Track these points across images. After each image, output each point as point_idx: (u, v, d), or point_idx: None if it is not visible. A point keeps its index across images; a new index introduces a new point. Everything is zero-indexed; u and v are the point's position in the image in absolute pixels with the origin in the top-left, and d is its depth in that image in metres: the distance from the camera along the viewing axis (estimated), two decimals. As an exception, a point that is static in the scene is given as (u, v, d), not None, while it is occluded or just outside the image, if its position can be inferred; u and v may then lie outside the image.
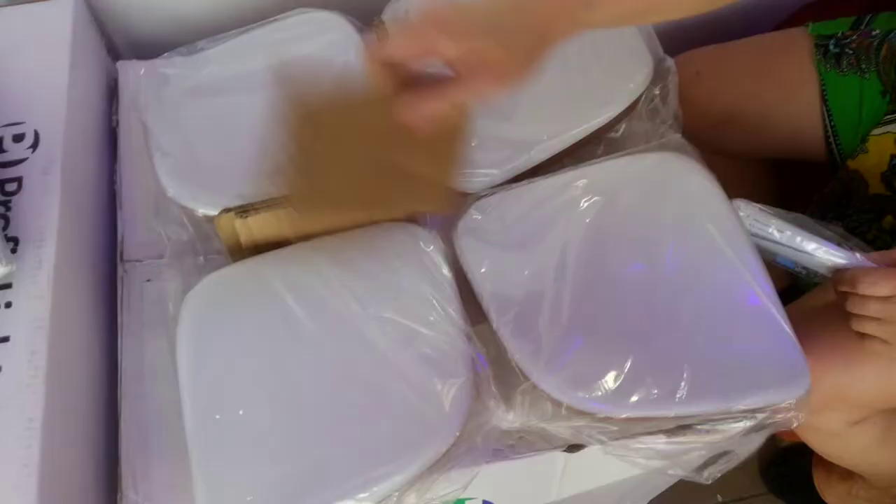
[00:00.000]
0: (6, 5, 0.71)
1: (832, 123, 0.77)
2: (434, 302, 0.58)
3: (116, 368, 0.62)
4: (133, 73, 0.75)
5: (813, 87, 0.77)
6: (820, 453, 0.82)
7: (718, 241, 0.59)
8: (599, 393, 0.54)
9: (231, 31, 0.74)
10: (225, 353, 0.58)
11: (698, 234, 0.60)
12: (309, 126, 0.53)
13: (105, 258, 0.69)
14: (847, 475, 0.93)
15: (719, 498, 0.97)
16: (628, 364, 0.55)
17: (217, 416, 0.55)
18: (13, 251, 0.58)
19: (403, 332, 0.57)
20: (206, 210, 0.65)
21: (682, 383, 0.54)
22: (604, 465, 0.63)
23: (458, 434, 0.54)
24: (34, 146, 0.64)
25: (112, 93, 0.76)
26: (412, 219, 0.64)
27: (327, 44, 0.72)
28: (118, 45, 0.81)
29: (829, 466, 0.94)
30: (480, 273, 0.60)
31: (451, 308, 0.58)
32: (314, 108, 0.53)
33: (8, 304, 0.57)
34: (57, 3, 0.71)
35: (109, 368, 0.64)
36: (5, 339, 0.55)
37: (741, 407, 0.55)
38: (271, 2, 0.80)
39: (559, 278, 0.59)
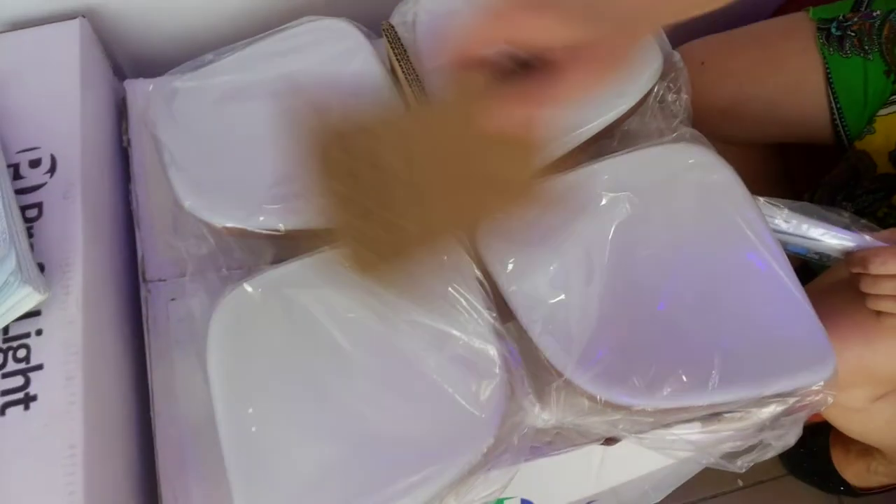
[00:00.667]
0: (10, 30, 0.71)
1: (838, 106, 0.77)
2: (463, 302, 0.59)
3: (148, 388, 0.62)
4: (141, 90, 0.75)
5: (817, 70, 0.78)
6: (843, 430, 0.83)
7: (742, 229, 0.60)
8: (633, 386, 0.54)
9: (238, 43, 0.74)
10: (256, 368, 0.58)
11: (721, 224, 0.61)
12: (342, 154, 0.50)
13: (128, 279, 0.69)
14: (865, 452, 0.94)
15: (740, 483, 0.98)
16: (660, 355, 0.56)
17: (253, 429, 0.56)
18: (40, 278, 0.58)
19: (435, 335, 0.58)
20: (226, 222, 0.65)
21: (714, 371, 0.55)
22: (640, 456, 0.64)
23: (495, 436, 0.54)
24: (52, 171, 0.63)
25: (120, 112, 0.75)
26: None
27: (338, 52, 0.72)
28: (122, 65, 0.80)
29: (847, 444, 0.95)
30: (506, 272, 0.61)
31: (482, 307, 0.59)
32: (342, 133, 0.50)
33: (39, 332, 0.57)
34: (62, 25, 0.71)
35: (141, 389, 0.64)
36: (39, 367, 0.55)
37: (772, 392, 0.56)
38: (276, 13, 0.80)
39: (586, 273, 0.60)
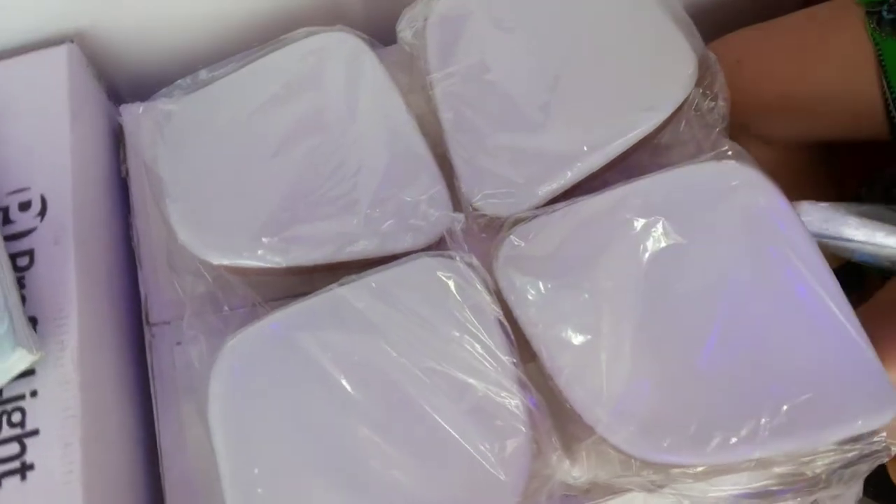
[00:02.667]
0: (-6, 60, 0.67)
1: (894, 95, 0.70)
2: (480, 347, 0.54)
3: (155, 441, 0.59)
4: (138, 115, 0.70)
5: (869, 59, 0.71)
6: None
7: (791, 260, 0.54)
8: (675, 443, 0.49)
9: (235, 57, 0.69)
10: (261, 423, 0.54)
11: (768, 254, 0.55)
12: None
13: (130, 322, 0.66)
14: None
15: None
16: (702, 405, 0.51)
17: (259, 491, 0.52)
18: (32, 334, 0.54)
19: (452, 385, 0.53)
20: (223, 259, 0.60)
21: (762, 421, 0.50)
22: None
23: (520, 499, 0.50)
24: (42, 213, 0.60)
25: (118, 139, 0.71)
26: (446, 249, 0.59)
27: (341, 64, 0.67)
28: (119, 88, 0.76)
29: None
30: (528, 312, 0.56)
31: (501, 353, 0.54)
32: None
33: (34, 393, 0.53)
34: (50, 52, 0.66)
35: (147, 441, 0.61)
36: (35, 433, 0.52)
37: (826, 442, 0.50)
38: (274, 23, 0.75)
39: (616, 311, 0.54)
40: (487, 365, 0.53)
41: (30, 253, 0.58)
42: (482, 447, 0.51)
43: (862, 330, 0.52)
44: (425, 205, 0.60)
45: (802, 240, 0.55)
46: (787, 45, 0.75)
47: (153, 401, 0.60)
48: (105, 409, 0.57)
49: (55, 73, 0.65)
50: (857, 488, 0.51)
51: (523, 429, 0.51)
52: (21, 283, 0.57)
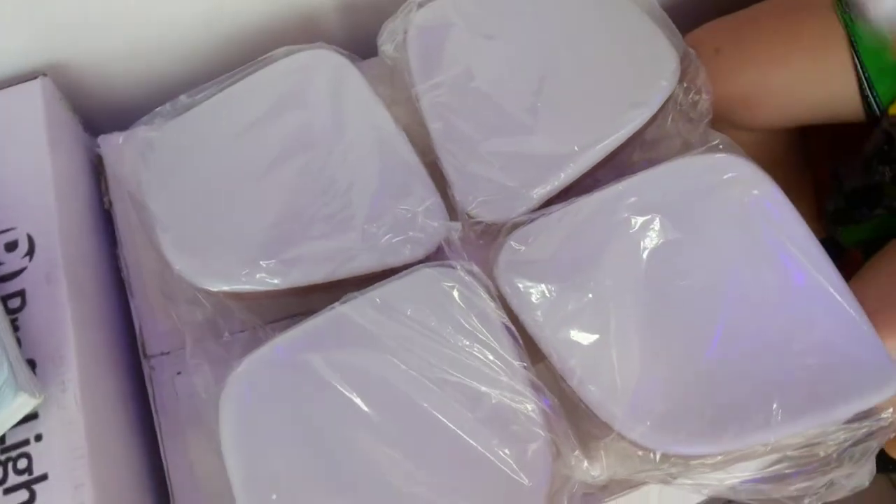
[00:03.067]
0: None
1: (866, 74, 0.72)
2: (490, 354, 0.54)
3: (164, 476, 0.58)
4: (117, 145, 0.69)
5: (841, 40, 0.72)
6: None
7: (787, 248, 0.55)
8: (691, 434, 0.50)
9: (215, 80, 0.68)
10: (276, 448, 0.53)
11: (766, 244, 0.56)
12: None
13: (127, 355, 0.64)
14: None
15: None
16: (715, 395, 0.51)
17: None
18: (32, 377, 0.53)
19: (466, 394, 0.53)
20: (222, 286, 0.60)
21: (774, 405, 0.51)
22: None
23: (545, 499, 0.50)
24: (30, 253, 0.58)
25: (97, 171, 0.70)
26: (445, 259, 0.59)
27: (324, 80, 0.66)
28: (94, 119, 0.74)
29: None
30: (534, 315, 0.56)
31: (512, 357, 0.54)
32: None
33: (38, 437, 0.52)
34: (23, 87, 0.65)
35: (157, 476, 0.60)
36: (44, 478, 0.51)
37: (835, 419, 0.51)
38: (248, 45, 0.74)
39: (622, 309, 0.55)
40: (499, 371, 0.53)
41: (21, 294, 0.57)
42: (502, 454, 0.51)
43: (861, 310, 0.54)
44: (422, 216, 0.60)
45: (797, 227, 0.56)
46: (762, 32, 0.76)
47: (157, 433, 0.59)
48: (112, 446, 0.56)
49: (30, 107, 0.64)
50: (869, 466, 0.52)
51: (541, 432, 0.51)
52: (14, 326, 0.55)
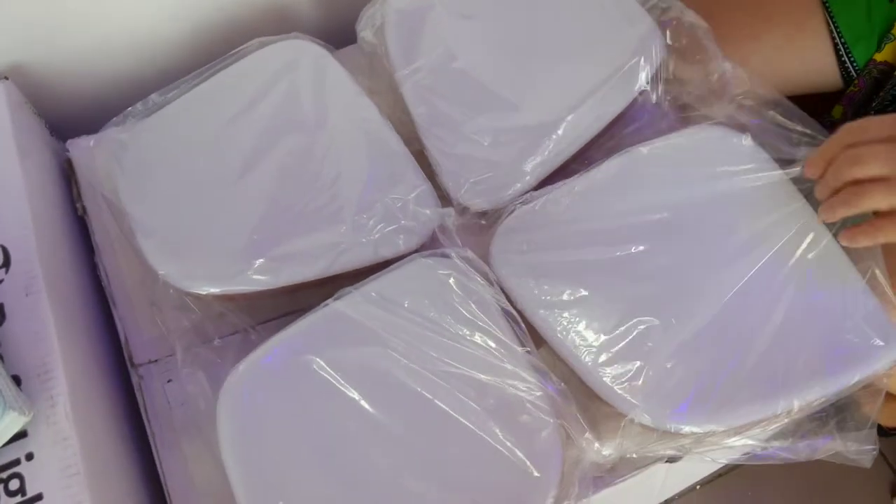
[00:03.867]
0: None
1: (843, 42, 0.73)
2: (492, 342, 0.53)
3: (161, 485, 0.56)
4: (87, 149, 0.67)
5: (816, 10, 0.73)
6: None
7: (783, 214, 0.55)
8: (702, 410, 0.50)
9: (187, 77, 0.65)
10: (278, 452, 0.52)
11: (762, 216, 0.56)
12: None
13: (113, 365, 0.62)
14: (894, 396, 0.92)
15: (772, 441, 0.97)
16: (724, 370, 0.51)
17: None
18: (18, 394, 0.51)
19: (471, 385, 0.52)
20: (211, 288, 0.57)
21: (780, 377, 0.51)
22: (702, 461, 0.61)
23: (557, 487, 0.50)
24: (6, 265, 0.56)
25: (67, 177, 0.67)
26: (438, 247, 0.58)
27: (302, 71, 0.64)
28: (61, 122, 0.71)
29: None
30: (533, 298, 0.55)
31: (514, 344, 0.53)
32: None
33: (29, 456, 0.50)
34: (-16, 92, 0.62)
35: (152, 485, 0.58)
36: (39, 498, 0.48)
37: (844, 384, 0.52)
38: (220, 39, 0.72)
39: (624, 287, 0.55)
40: (502, 359, 0.52)
41: (-1, 308, 0.54)
42: (512, 444, 0.50)
43: (857, 273, 0.54)
44: (413, 204, 0.58)
45: (786, 189, 0.56)
46: (735, 9, 0.76)
47: (151, 442, 0.57)
48: (107, 460, 0.53)
49: (-5, 113, 0.61)
50: (872, 436, 0.53)
51: (550, 419, 0.50)
52: (-4, 342, 0.53)
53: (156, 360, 0.60)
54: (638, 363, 0.52)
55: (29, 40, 0.65)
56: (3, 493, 0.49)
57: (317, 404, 0.52)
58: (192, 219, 0.60)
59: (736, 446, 0.53)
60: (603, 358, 0.52)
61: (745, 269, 0.54)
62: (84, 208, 0.65)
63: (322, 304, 0.56)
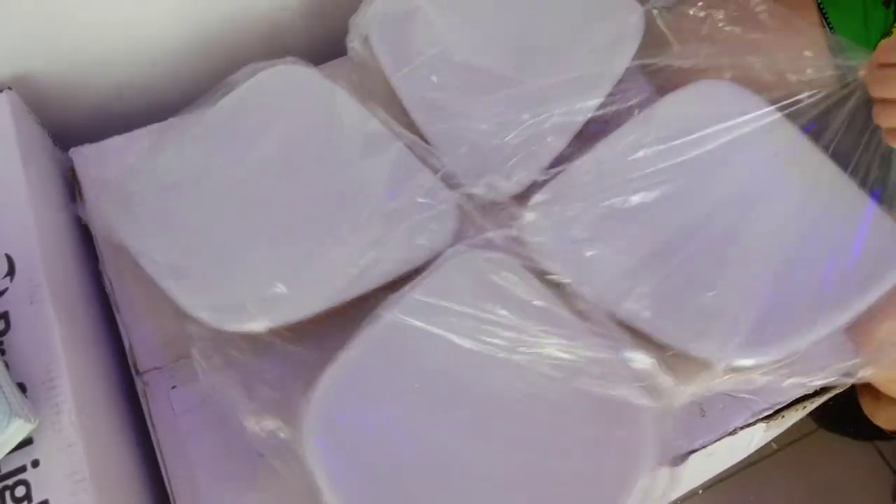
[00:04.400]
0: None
1: (830, 26, 0.73)
2: (552, 320, 0.53)
3: (166, 492, 0.56)
4: (89, 158, 0.67)
5: (813, 16, 0.74)
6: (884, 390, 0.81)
7: (794, 151, 0.58)
8: (779, 341, 0.52)
9: (184, 111, 0.64)
10: (378, 472, 0.51)
11: (773, 160, 0.59)
12: None
13: (117, 372, 0.62)
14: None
15: (774, 445, 0.97)
16: (775, 305, 0.53)
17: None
18: (23, 401, 0.51)
19: (549, 366, 0.52)
20: (258, 327, 0.54)
21: (820, 298, 0.53)
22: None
23: (660, 455, 0.50)
24: (10, 274, 0.56)
25: (70, 185, 0.68)
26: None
27: (299, 95, 0.64)
28: (64, 132, 0.71)
29: (877, 392, 0.94)
30: (576, 270, 0.56)
31: (575, 316, 0.54)
32: None
33: (35, 463, 0.50)
34: (-12, 102, 0.62)
35: (158, 492, 0.58)
36: (44, 504, 0.49)
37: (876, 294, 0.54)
38: (217, 56, 0.72)
39: (663, 246, 0.56)
40: (570, 334, 0.53)
41: (4, 316, 0.54)
42: (606, 417, 0.51)
43: (870, 200, 0.56)
44: (434, 203, 0.58)
45: (798, 140, 0.59)
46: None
47: (156, 451, 0.57)
48: (112, 467, 0.54)
49: (0, 121, 0.61)
50: None
51: (636, 382, 0.51)
52: (1, 350, 0.53)
53: (160, 367, 0.60)
54: (695, 305, 0.54)
55: (32, 51, 0.66)
56: (9, 500, 0.49)
57: (404, 419, 0.52)
58: (218, 254, 0.58)
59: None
60: (658, 313, 0.54)
61: (773, 206, 0.57)
62: (88, 216, 0.66)
63: (372, 318, 0.54)
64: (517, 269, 0.55)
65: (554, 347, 0.52)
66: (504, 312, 0.53)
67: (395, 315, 0.54)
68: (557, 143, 0.61)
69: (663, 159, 0.59)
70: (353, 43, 0.68)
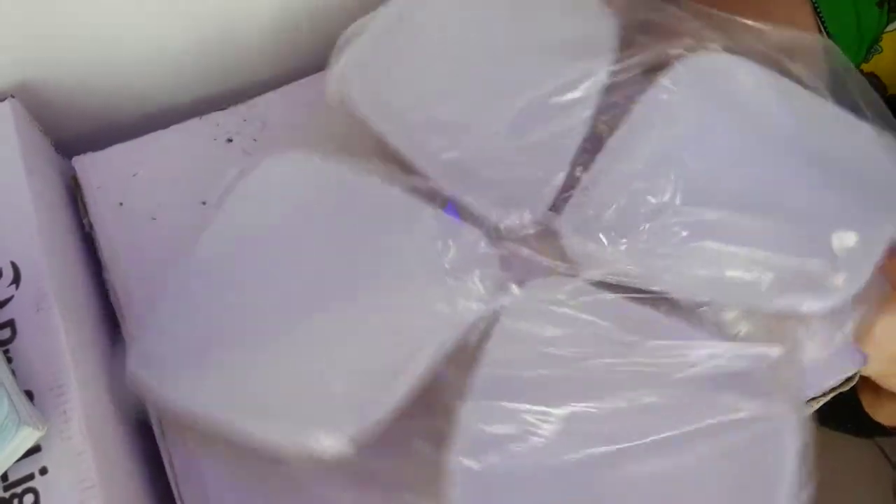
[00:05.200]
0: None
1: (822, 18, 0.74)
2: (647, 330, 0.52)
3: (173, 500, 0.56)
4: (93, 166, 0.67)
5: (807, 16, 0.74)
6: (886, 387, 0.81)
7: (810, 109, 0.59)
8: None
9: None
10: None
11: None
12: None
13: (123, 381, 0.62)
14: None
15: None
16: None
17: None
18: (31, 409, 0.51)
19: (671, 368, 0.52)
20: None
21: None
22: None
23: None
24: (16, 281, 0.56)
25: (73, 194, 0.68)
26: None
27: (298, 188, 0.60)
28: (66, 141, 0.72)
29: (877, 388, 0.94)
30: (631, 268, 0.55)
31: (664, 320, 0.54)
32: None
33: (43, 471, 0.50)
34: (-9, 110, 0.62)
35: (167, 501, 0.58)
36: (54, 513, 0.49)
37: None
38: (224, 67, 0.72)
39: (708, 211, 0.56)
40: (666, 334, 0.52)
41: (10, 324, 0.54)
42: (743, 391, 0.53)
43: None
44: (470, 251, 0.55)
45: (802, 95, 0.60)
46: (735, 4, 0.77)
47: (165, 462, 0.57)
48: (121, 474, 0.54)
49: (3, 129, 0.61)
50: None
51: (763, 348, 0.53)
52: (7, 357, 0.53)
53: (166, 374, 0.60)
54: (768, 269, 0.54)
55: (34, 60, 0.66)
56: (18, 509, 0.49)
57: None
58: (292, 383, 0.53)
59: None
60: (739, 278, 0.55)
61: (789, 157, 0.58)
62: (91, 224, 0.66)
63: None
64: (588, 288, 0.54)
65: (667, 355, 0.52)
66: (589, 342, 0.52)
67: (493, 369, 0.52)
68: (568, 155, 0.60)
69: (683, 138, 0.59)
70: (331, 98, 0.63)
